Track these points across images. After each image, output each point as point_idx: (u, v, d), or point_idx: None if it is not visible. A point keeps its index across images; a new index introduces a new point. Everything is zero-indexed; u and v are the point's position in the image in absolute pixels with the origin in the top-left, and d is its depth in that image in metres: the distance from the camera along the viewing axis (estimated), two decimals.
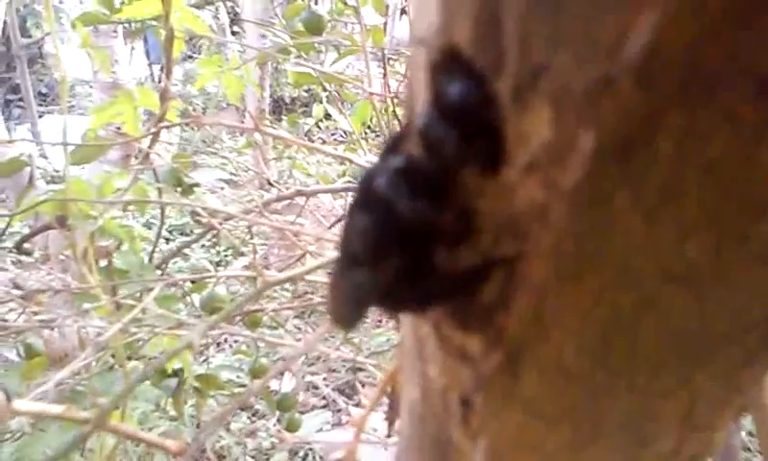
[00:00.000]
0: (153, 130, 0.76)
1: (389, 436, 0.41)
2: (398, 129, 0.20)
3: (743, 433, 0.99)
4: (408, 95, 0.21)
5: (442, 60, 0.18)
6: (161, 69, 0.90)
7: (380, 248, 0.18)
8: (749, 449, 1.11)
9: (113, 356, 0.76)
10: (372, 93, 0.62)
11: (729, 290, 0.16)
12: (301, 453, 1.34)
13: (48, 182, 1.15)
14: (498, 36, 0.15)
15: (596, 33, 0.13)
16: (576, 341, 0.18)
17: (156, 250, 0.94)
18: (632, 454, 0.22)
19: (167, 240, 1.86)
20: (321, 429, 1.39)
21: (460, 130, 0.17)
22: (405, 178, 0.18)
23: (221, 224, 0.76)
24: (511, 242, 0.18)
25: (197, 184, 0.86)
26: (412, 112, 0.21)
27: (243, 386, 1.20)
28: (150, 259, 0.88)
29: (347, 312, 0.21)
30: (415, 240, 0.18)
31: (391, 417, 0.43)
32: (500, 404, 0.21)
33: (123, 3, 0.93)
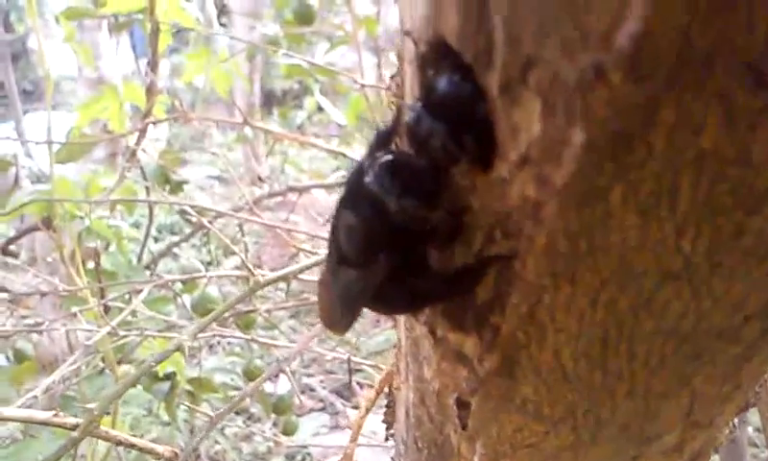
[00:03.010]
0: (139, 126, 0.75)
1: (387, 439, 0.40)
2: (388, 123, 0.20)
3: (750, 429, 0.98)
4: (398, 88, 0.21)
5: (430, 52, 0.18)
6: (148, 63, 0.88)
7: (369, 248, 0.18)
8: (756, 445, 1.10)
9: (104, 360, 0.75)
10: (363, 85, 0.61)
11: (725, 286, 0.16)
12: (299, 457, 1.32)
13: (34, 182, 1.12)
14: (486, 28, 0.15)
15: (586, 22, 0.12)
16: (574, 343, 0.18)
17: (145, 250, 0.92)
18: (635, 452, 0.22)
19: (156, 240, 1.84)
20: (318, 433, 1.37)
21: (448, 124, 0.16)
22: (393, 174, 0.18)
23: (210, 223, 0.75)
24: (504, 240, 0.18)
25: (185, 182, 0.84)
26: (402, 106, 0.20)
27: (237, 389, 1.19)
28: (139, 260, 0.87)
29: (337, 314, 0.20)
30: (406, 239, 0.18)
31: (389, 419, 0.43)
32: (498, 406, 0.21)
33: None
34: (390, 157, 0.18)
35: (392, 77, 0.21)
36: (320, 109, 1.28)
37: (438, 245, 0.19)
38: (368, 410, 0.41)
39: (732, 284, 0.16)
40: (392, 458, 0.33)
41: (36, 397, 0.56)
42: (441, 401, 0.23)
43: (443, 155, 0.17)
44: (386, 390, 0.45)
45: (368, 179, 0.18)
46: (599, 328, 0.17)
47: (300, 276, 0.66)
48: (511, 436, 0.21)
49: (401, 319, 0.25)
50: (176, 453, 0.43)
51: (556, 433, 0.20)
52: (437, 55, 0.17)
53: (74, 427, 0.40)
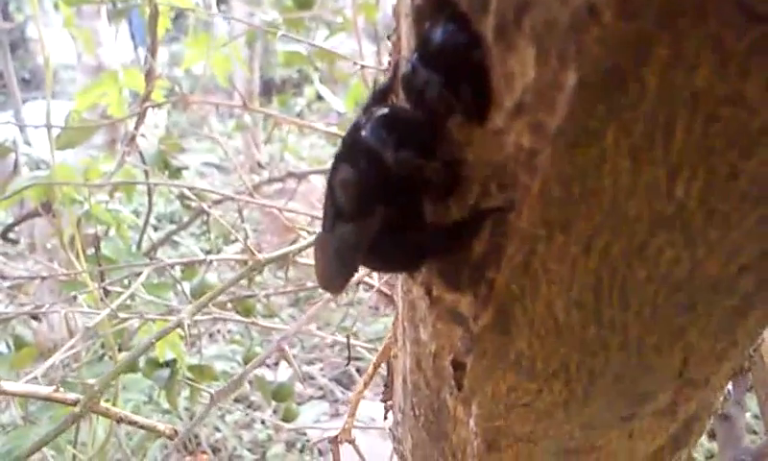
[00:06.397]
0: (138, 110, 0.75)
1: (386, 418, 0.41)
2: (385, 81, 0.20)
3: (748, 415, 0.98)
4: (395, 45, 0.21)
5: (425, 4, 0.18)
6: (147, 50, 0.88)
7: (366, 200, 0.18)
8: (754, 432, 1.10)
9: (103, 346, 0.75)
10: (363, 66, 0.61)
11: (719, 233, 0.16)
12: (299, 445, 1.33)
13: (33, 170, 1.12)
14: None
15: None
16: (567, 293, 0.18)
17: (145, 237, 0.92)
18: (628, 412, 0.22)
19: (156, 229, 1.84)
20: (318, 421, 1.37)
21: (444, 74, 0.16)
22: (390, 127, 0.18)
23: (210, 207, 0.75)
24: (499, 193, 0.18)
25: (185, 167, 0.84)
26: (399, 60, 0.20)
27: None
28: (138, 246, 0.87)
29: (334, 272, 0.21)
30: (402, 192, 0.18)
31: (387, 398, 0.43)
32: (492, 364, 0.21)
33: None
34: (386, 110, 0.18)
35: (388, 36, 0.21)
36: (319, 97, 1.28)
37: (434, 198, 0.19)
38: (366, 385, 0.42)
39: (726, 232, 0.16)
40: (389, 429, 0.33)
41: (36, 378, 0.57)
42: (437, 364, 0.23)
43: (439, 105, 0.17)
44: (384, 372, 0.45)
45: (364, 132, 0.18)
46: (592, 277, 0.17)
47: (301, 261, 0.66)
48: (505, 396, 0.21)
49: (399, 283, 0.25)
50: (175, 431, 0.43)
51: (549, 390, 0.20)
52: (432, 6, 0.17)
53: (75, 403, 0.40)
